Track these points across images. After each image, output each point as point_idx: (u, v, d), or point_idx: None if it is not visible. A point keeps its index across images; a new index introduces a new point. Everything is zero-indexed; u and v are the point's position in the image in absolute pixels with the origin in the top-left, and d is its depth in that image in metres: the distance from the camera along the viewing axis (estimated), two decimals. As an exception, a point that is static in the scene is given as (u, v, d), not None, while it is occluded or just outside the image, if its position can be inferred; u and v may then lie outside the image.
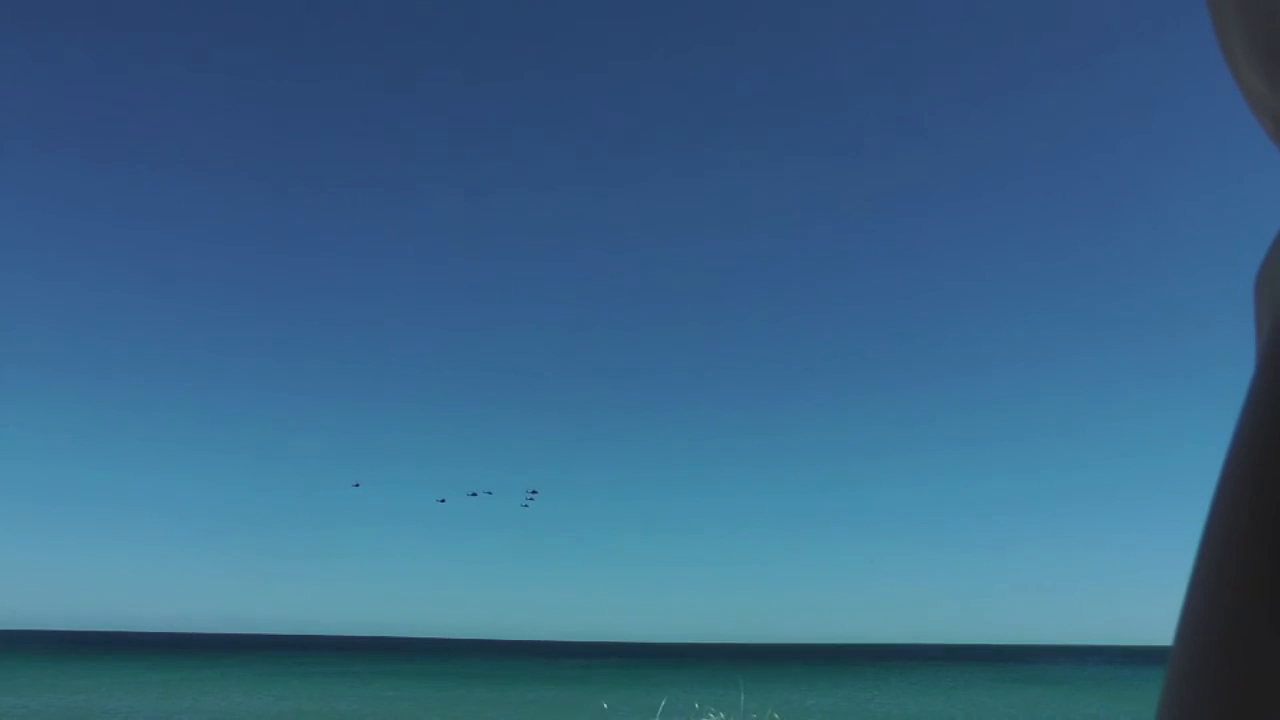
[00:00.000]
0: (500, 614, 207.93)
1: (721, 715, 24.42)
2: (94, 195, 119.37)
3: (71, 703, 29.27)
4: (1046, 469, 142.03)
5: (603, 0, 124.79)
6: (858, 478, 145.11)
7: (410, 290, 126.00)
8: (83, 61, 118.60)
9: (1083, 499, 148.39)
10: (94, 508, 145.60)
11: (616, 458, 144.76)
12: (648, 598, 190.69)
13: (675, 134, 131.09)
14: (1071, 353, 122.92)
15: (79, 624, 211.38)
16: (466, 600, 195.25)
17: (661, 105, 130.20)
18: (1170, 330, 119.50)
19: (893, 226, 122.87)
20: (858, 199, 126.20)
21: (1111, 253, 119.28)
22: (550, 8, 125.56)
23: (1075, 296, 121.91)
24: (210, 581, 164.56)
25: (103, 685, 37.75)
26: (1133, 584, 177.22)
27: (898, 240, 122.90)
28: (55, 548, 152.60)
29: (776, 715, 15.86)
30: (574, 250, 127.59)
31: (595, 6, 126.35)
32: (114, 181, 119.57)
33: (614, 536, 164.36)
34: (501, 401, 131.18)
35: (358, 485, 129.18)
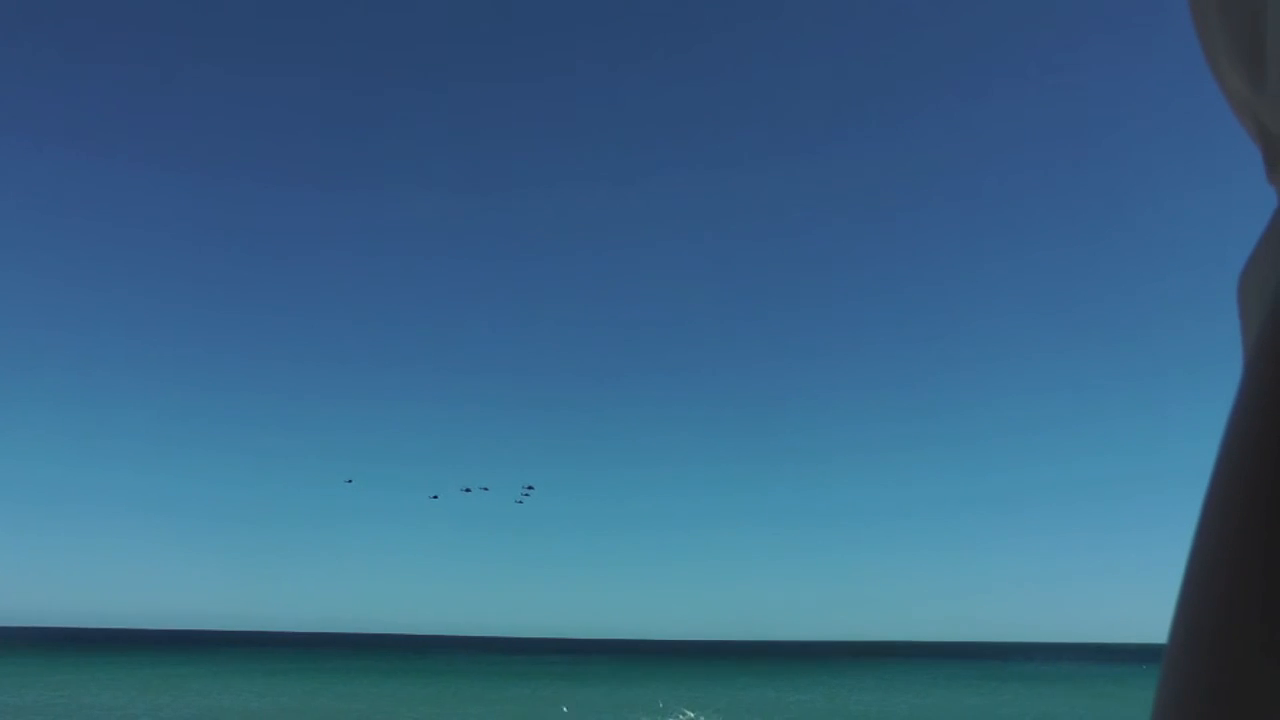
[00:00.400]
0: (491, 611, 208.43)
1: (691, 715, 24.81)
2: (91, 194, 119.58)
3: (52, 699, 29.56)
4: (1029, 467, 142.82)
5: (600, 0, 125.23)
6: (840, 476, 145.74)
7: (405, 288, 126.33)
8: (80, 60, 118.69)
9: (1068, 497, 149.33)
10: (86, 505, 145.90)
11: (611, 456, 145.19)
12: (632, 595, 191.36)
13: (671, 132, 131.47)
14: (1055, 350, 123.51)
15: (70, 621, 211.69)
16: (458, 597, 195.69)
17: (657, 103, 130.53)
18: (1161, 329, 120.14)
19: (887, 223, 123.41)
20: (853, 196, 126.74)
21: (1110, 250, 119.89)
22: (548, 5, 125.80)
23: (1055, 294, 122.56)
24: (201, 579, 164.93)
25: (85, 682, 38.04)
26: (1114, 582, 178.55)
27: (894, 237, 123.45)
28: (47, 545, 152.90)
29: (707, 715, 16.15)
30: (570, 249, 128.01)
31: (594, 5, 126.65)
32: (112, 180, 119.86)
33: (601, 535, 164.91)
34: (497, 400, 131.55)
35: (350, 481, 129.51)
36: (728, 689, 40.39)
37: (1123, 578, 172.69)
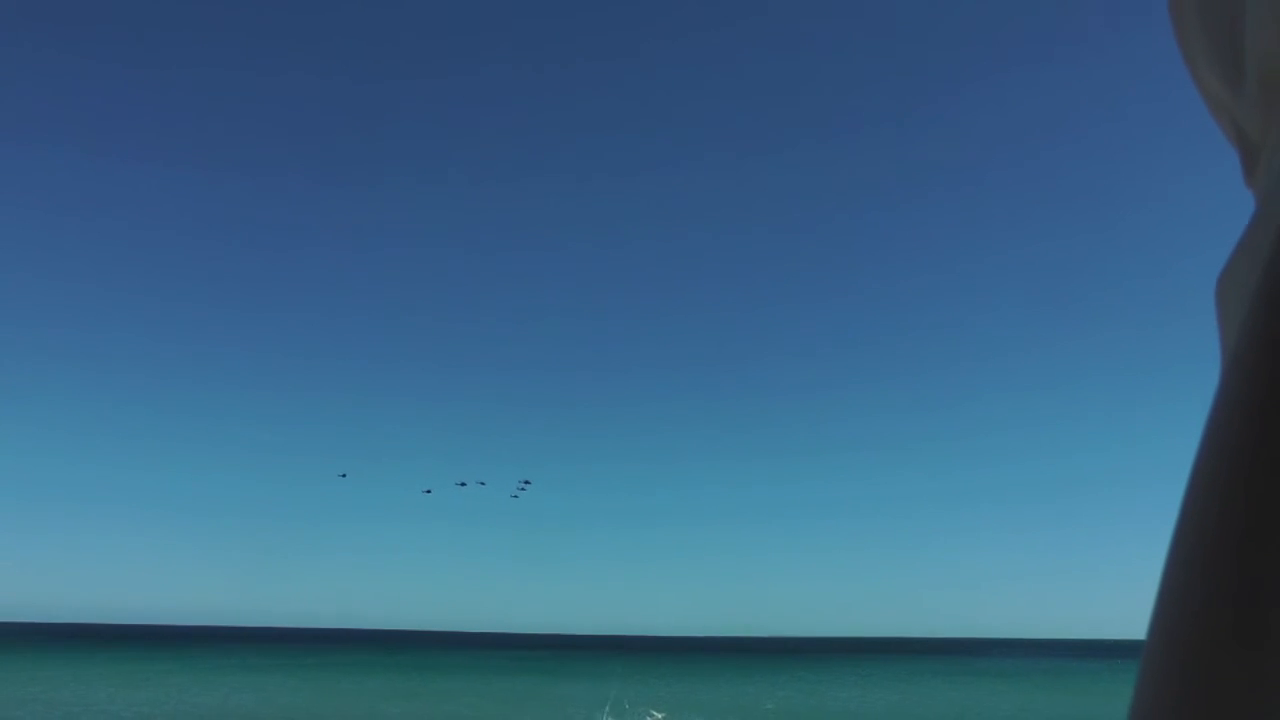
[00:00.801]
0: (484, 607, 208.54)
1: (659, 715, 24.95)
2: (90, 191, 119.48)
3: (26, 695, 29.65)
4: (999, 465, 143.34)
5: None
6: (838, 473, 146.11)
7: (400, 282, 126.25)
8: (76, 58, 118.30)
9: (1039, 494, 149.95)
10: (73, 500, 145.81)
11: (609, 452, 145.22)
12: (630, 592, 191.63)
13: (670, 127, 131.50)
14: (1029, 347, 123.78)
15: (56, 616, 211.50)
16: (450, 593, 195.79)
17: (657, 98, 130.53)
18: (1161, 324, 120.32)
19: (888, 218, 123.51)
20: (854, 190, 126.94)
21: (1108, 244, 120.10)
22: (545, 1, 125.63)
23: (1055, 289, 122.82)
24: (192, 574, 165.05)
25: (64, 678, 38.06)
26: (1083, 579, 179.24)
27: (894, 231, 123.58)
28: (29, 540, 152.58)
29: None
30: (568, 242, 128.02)
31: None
32: (109, 178, 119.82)
33: (600, 532, 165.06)
34: (495, 395, 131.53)
35: (344, 476, 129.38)
36: (708, 686, 40.61)
37: (1102, 574, 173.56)
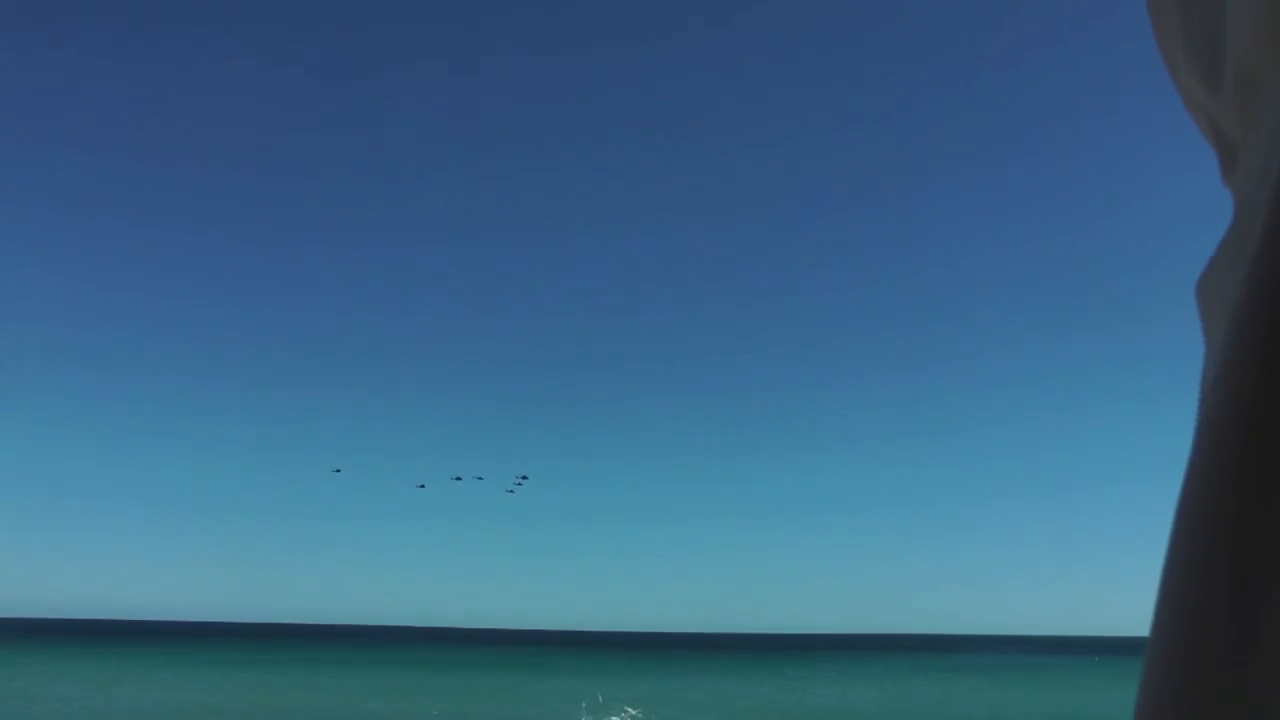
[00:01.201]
0: (478, 603, 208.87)
1: (634, 712, 25.18)
2: (89, 189, 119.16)
3: (4, 690, 29.84)
4: (986, 460, 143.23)
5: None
6: (807, 468, 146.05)
7: (395, 279, 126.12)
8: (76, 56, 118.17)
9: (1025, 490, 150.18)
10: (60, 496, 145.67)
11: (606, 448, 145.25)
12: (627, 589, 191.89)
13: (666, 122, 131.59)
14: (1018, 344, 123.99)
15: (45, 612, 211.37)
16: (444, 589, 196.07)
17: (653, 93, 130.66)
18: (1160, 318, 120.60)
19: (883, 212, 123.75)
20: (851, 185, 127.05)
21: (1107, 237, 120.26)
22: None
23: (1054, 284, 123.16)
24: (183, 570, 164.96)
25: (45, 674, 38.22)
26: (1084, 579, 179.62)
27: (889, 226, 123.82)
28: (15, 536, 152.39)
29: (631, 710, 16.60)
30: (565, 238, 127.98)
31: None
32: (107, 176, 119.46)
33: (598, 529, 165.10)
34: (491, 390, 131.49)
35: (339, 471, 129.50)
36: (689, 683, 40.86)
37: (1100, 572, 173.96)
